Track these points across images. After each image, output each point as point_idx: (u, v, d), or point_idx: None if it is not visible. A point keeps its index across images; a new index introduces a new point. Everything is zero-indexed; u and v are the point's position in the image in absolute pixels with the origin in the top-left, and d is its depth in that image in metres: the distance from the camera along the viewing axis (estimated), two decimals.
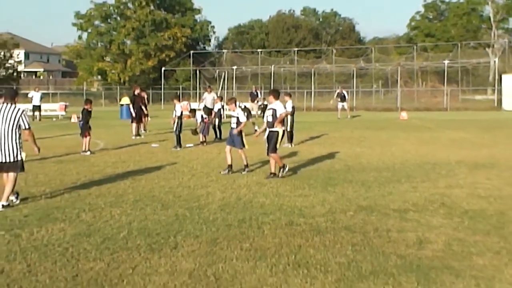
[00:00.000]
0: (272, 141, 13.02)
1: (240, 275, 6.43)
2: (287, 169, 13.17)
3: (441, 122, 31.62)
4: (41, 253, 7.31)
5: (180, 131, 19.49)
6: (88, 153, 17.74)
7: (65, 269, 6.69)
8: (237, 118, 13.93)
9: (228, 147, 13.88)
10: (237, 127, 13.83)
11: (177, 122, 19.48)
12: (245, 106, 27.62)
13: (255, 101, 36.45)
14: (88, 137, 18.01)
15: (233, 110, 14.29)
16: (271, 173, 12.98)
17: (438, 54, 59.40)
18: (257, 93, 37.98)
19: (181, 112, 19.85)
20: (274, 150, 13.04)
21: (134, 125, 23.38)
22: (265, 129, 13.33)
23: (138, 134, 23.13)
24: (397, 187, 11.80)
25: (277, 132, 13.01)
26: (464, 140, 21.67)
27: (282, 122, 13.37)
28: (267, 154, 13.23)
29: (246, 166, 13.81)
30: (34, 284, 6.25)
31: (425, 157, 16.55)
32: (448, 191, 11.23)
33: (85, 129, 18.04)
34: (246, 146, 13.91)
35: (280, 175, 12.87)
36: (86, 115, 18.29)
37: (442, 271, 6.53)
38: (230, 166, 13.71)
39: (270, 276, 6.42)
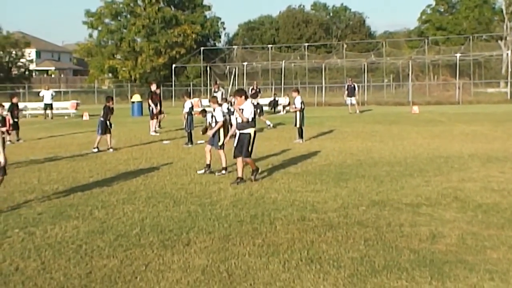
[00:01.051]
0: (244, 144, 11.95)
1: (253, 271, 6.44)
2: (258, 172, 12.27)
3: (453, 116, 31.46)
4: (55, 251, 7.36)
5: (191, 128, 19.53)
6: (111, 150, 17.97)
7: (79, 266, 6.73)
8: (215, 117, 13.46)
9: (208, 147, 13.53)
10: (214, 126, 13.35)
11: (187, 119, 19.53)
12: (258, 103, 27.57)
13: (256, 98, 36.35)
14: (108, 134, 18.20)
15: (213, 108, 13.71)
16: (238, 178, 11.95)
17: (449, 47, 58.97)
18: (259, 89, 37.77)
19: (190, 108, 19.85)
20: (247, 154, 12.00)
21: (153, 121, 23.44)
22: (234, 134, 12.29)
23: (155, 131, 23.22)
24: (409, 181, 11.76)
25: (249, 134, 11.99)
26: (476, 133, 21.55)
27: (253, 123, 12.17)
28: (234, 157, 12.13)
29: (225, 168, 13.08)
30: (49, 281, 6.29)
31: (437, 151, 16.48)
32: (461, 185, 11.19)
33: (104, 126, 18.18)
34: (222, 143, 13.23)
35: (253, 178, 12.02)
36: (107, 112, 18.46)
37: (456, 265, 6.51)
38: (208, 165, 13.32)
39: (283, 271, 6.43)
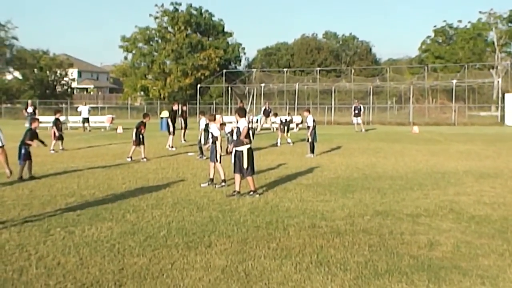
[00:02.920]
0: (239, 161, 11.43)
1: (267, 272, 6.43)
2: (256, 194, 11.47)
3: (449, 136, 31.23)
4: (92, 248, 7.40)
5: (203, 143, 19.14)
6: (144, 160, 18.07)
7: (113, 263, 6.77)
8: (211, 133, 13.13)
9: (212, 163, 13.06)
10: (212, 142, 12.98)
11: (203, 134, 19.19)
12: (286, 120, 26.88)
13: (269, 116, 36.30)
14: (142, 146, 18.32)
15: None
16: (234, 190, 11.48)
17: (447, 74, 58.65)
18: (270, 109, 37.73)
19: (206, 125, 19.57)
20: (245, 171, 11.41)
21: (171, 137, 23.27)
22: (232, 149, 11.82)
23: (173, 146, 22.91)
24: (410, 194, 11.69)
25: (242, 151, 11.44)
26: (470, 152, 21.36)
27: (249, 138, 11.67)
28: (234, 172, 11.59)
29: (224, 181, 12.67)
30: (86, 275, 6.33)
31: (435, 167, 16.37)
32: (457, 198, 11.10)
33: (136, 138, 18.35)
34: (218, 161, 12.85)
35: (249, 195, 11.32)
36: (140, 125, 18.52)
37: (451, 271, 6.46)
38: (211, 179, 12.95)
39: (295, 273, 6.41)
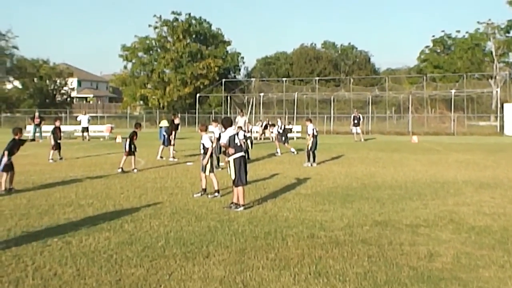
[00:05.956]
0: (230, 170, 11.17)
1: (266, 283, 6.38)
2: (237, 207, 11.01)
3: (448, 145, 31.21)
4: (89, 259, 7.34)
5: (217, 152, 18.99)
6: (135, 170, 17.71)
7: (110, 274, 6.70)
8: (203, 144, 12.92)
9: (202, 173, 12.90)
10: (204, 153, 12.82)
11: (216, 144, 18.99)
12: (289, 128, 26.58)
13: (270, 130, 36.27)
14: (132, 156, 17.98)
15: (201, 136, 13.12)
16: (232, 202, 11.22)
17: (445, 84, 58.79)
18: (269, 123, 37.64)
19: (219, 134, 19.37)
20: (235, 181, 11.11)
21: (171, 148, 22.84)
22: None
23: (174, 157, 22.65)
24: (409, 204, 11.64)
25: (228, 161, 11.30)
26: (470, 161, 21.33)
27: (238, 147, 11.27)
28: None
29: (217, 191, 12.56)
30: (83, 286, 6.27)
31: (435, 177, 16.33)
32: (456, 208, 11.05)
33: (128, 148, 18.00)
34: (207, 173, 12.70)
35: (227, 207, 11.09)
36: (133, 135, 18.22)
37: (451, 282, 6.40)
38: (204, 189, 12.80)
39: (293, 284, 6.35)
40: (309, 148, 20.10)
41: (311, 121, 21.06)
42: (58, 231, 8.96)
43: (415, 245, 8.08)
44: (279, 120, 28.47)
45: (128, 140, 18.23)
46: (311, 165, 19.68)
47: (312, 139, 20.15)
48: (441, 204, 11.57)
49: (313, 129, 20.36)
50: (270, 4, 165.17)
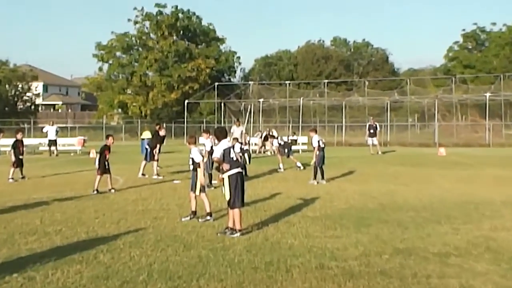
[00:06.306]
0: (225, 189, 11.17)
1: None
2: (233, 233, 11.00)
3: (482, 159, 31.23)
4: None
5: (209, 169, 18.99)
6: (113, 191, 17.68)
7: None
8: (192, 159, 12.94)
9: (192, 193, 12.99)
10: (194, 169, 12.88)
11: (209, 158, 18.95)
12: (285, 142, 26.81)
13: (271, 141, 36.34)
14: (107, 175, 17.94)
15: (189, 149, 13.14)
16: (227, 227, 11.25)
17: (478, 87, 58.84)
18: (271, 134, 37.73)
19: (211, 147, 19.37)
20: (230, 202, 11.14)
21: (154, 163, 22.82)
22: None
23: (158, 174, 22.58)
24: (436, 228, 11.61)
25: (223, 179, 11.25)
26: (509, 178, 21.29)
27: (234, 162, 11.21)
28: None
29: (209, 214, 12.61)
30: None
31: (466, 196, 16.31)
32: (494, 234, 11.01)
33: (100, 165, 17.97)
34: (197, 192, 12.72)
35: (220, 232, 11.11)
36: (105, 150, 18.16)
37: None
38: (194, 212, 12.84)
39: None
40: (316, 163, 20.10)
41: (316, 132, 21.07)
42: (19, 264, 8.91)
43: (444, 278, 8.04)
44: (274, 130, 28.55)
45: (98, 156, 18.20)
46: (318, 182, 19.67)
47: (318, 152, 20.18)
48: (475, 229, 11.54)
49: (318, 141, 20.40)
50: None
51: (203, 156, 13.35)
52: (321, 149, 20.39)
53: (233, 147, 11.61)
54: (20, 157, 22.02)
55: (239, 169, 11.38)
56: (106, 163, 18.06)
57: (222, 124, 54.68)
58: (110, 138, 18.84)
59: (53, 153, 37.40)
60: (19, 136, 23.06)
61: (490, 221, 12.36)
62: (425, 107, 56.49)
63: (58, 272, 8.42)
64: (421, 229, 11.48)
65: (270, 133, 35.44)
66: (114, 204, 15.30)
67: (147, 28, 70.95)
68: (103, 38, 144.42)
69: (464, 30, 77.47)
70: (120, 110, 74.21)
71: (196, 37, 73.46)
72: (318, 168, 20.12)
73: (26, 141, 29.13)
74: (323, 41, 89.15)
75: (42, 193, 17.54)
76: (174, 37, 70.69)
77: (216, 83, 61.89)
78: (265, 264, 8.79)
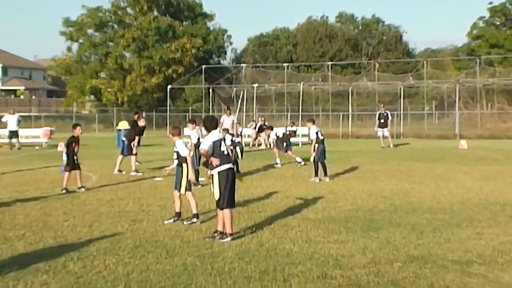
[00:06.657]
0: (213, 187, 11.30)
1: None
2: (223, 238, 11.11)
3: (511, 153, 31.30)
4: None
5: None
6: (82, 189, 17.69)
7: None
8: (177, 152, 13.06)
9: (176, 192, 13.07)
10: (179, 164, 12.97)
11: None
12: (290, 132, 26.72)
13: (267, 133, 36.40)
14: (77, 171, 17.92)
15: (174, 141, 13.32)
16: (216, 231, 11.37)
17: (507, 69, 58.83)
18: (266, 126, 37.77)
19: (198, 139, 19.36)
20: (218, 202, 11.22)
21: (133, 158, 22.80)
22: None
23: (137, 170, 22.60)
24: (456, 232, 11.67)
25: (212, 175, 11.29)
26: None
27: (225, 157, 11.29)
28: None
29: (195, 215, 12.72)
30: None
31: (492, 196, 16.38)
32: None
33: (68, 160, 17.94)
34: (182, 191, 12.85)
35: (209, 237, 11.24)
36: (73, 143, 18.11)
37: None
38: (178, 213, 12.92)
39: None
40: (315, 158, 20.10)
41: (314, 122, 21.05)
42: None
43: None
44: (260, 118, 28.31)
45: (65, 149, 18.16)
46: (320, 180, 19.72)
47: (317, 145, 20.18)
48: (501, 234, 11.60)
49: (317, 132, 20.40)
50: None
51: (189, 150, 13.36)
52: (321, 142, 20.37)
53: (223, 139, 11.63)
54: None
55: (230, 165, 11.41)
56: (75, 157, 18.02)
57: (211, 113, 54.71)
58: (78, 128, 18.77)
59: (15, 146, 37.34)
60: None
61: None
62: (445, 93, 56.57)
63: (21, 283, 8.44)
64: (439, 234, 11.54)
65: (267, 124, 35.49)
66: (86, 205, 15.31)
67: (123, 1, 70.71)
68: (72, 13, 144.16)
69: (491, 3, 77.07)
70: (92, 96, 74.11)
71: (180, 13, 73.30)
72: (319, 164, 20.14)
73: None
74: (327, 18, 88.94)
75: (2, 193, 17.53)
76: (155, 13, 70.57)
77: (204, 66, 61.75)
78: (259, 273, 8.83)
